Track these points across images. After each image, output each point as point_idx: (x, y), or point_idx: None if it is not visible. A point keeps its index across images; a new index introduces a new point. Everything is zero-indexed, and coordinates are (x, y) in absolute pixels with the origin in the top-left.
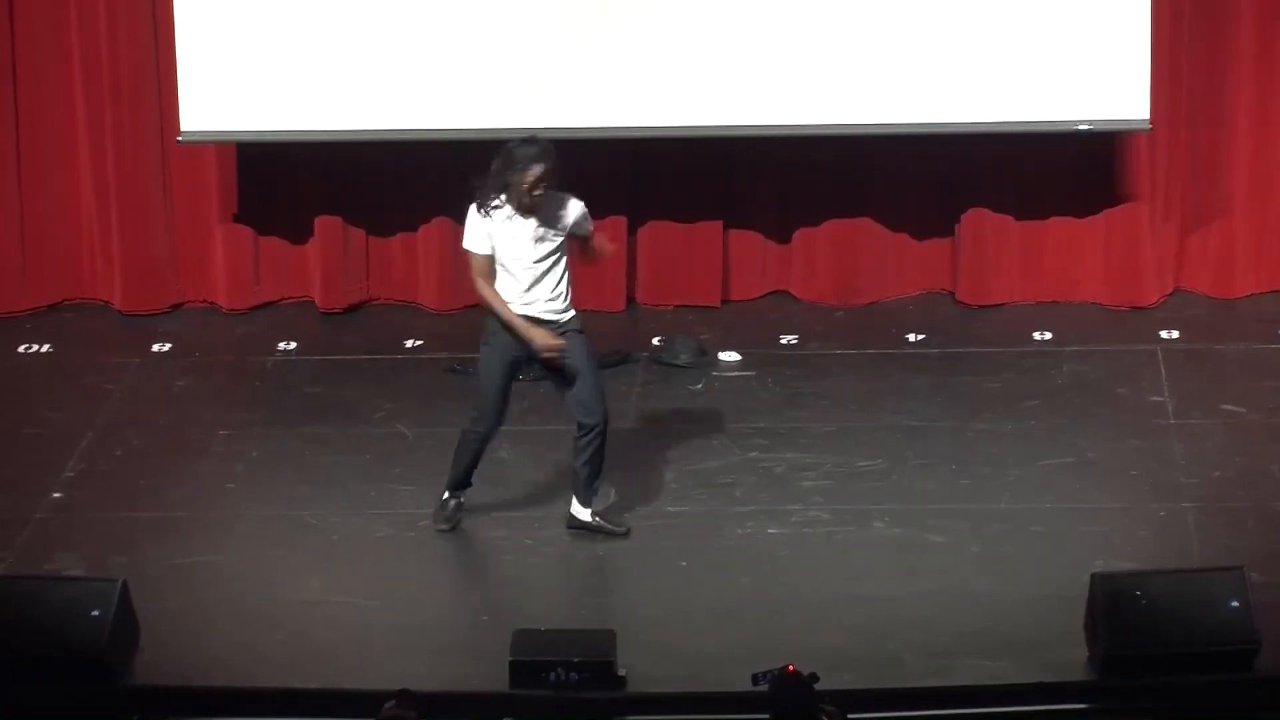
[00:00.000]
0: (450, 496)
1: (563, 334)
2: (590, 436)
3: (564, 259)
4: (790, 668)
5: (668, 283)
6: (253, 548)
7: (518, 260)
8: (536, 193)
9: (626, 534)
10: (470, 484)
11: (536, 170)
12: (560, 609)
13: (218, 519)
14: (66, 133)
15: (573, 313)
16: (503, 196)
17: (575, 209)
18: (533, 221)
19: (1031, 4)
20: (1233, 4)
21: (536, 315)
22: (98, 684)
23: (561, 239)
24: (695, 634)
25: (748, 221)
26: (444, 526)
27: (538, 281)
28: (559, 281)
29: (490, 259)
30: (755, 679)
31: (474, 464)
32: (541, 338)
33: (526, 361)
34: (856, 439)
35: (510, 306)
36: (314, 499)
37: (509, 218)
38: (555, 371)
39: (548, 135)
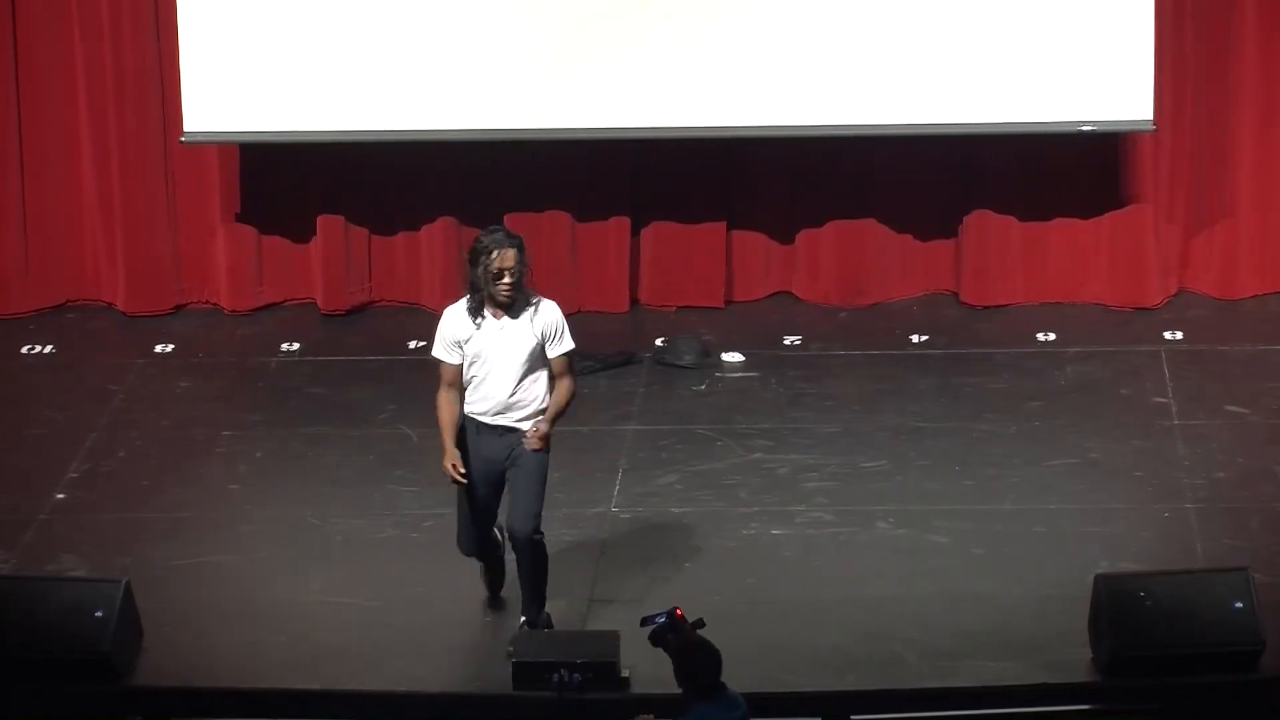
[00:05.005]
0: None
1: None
2: (518, 557)
3: (540, 371)
4: (679, 611)
5: (671, 283)
6: (256, 548)
7: (487, 363)
8: (508, 281)
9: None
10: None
11: (505, 255)
12: (563, 610)
13: (221, 520)
14: (69, 134)
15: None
16: (478, 297)
17: (552, 318)
18: (505, 322)
19: (1035, 5)
20: (1236, 4)
21: (505, 424)
22: (101, 684)
23: (533, 349)
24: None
25: (751, 222)
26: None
27: (507, 387)
28: (531, 388)
29: (458, 369)
30: (643, 621)
31: (492, 574)
32: (448, 459)
33: (499, 476)
34: (860, 440)
35: (473, 411)
36: (317, 500)
37: (482, 319)
38: (508, 473)
39: (552, 136)
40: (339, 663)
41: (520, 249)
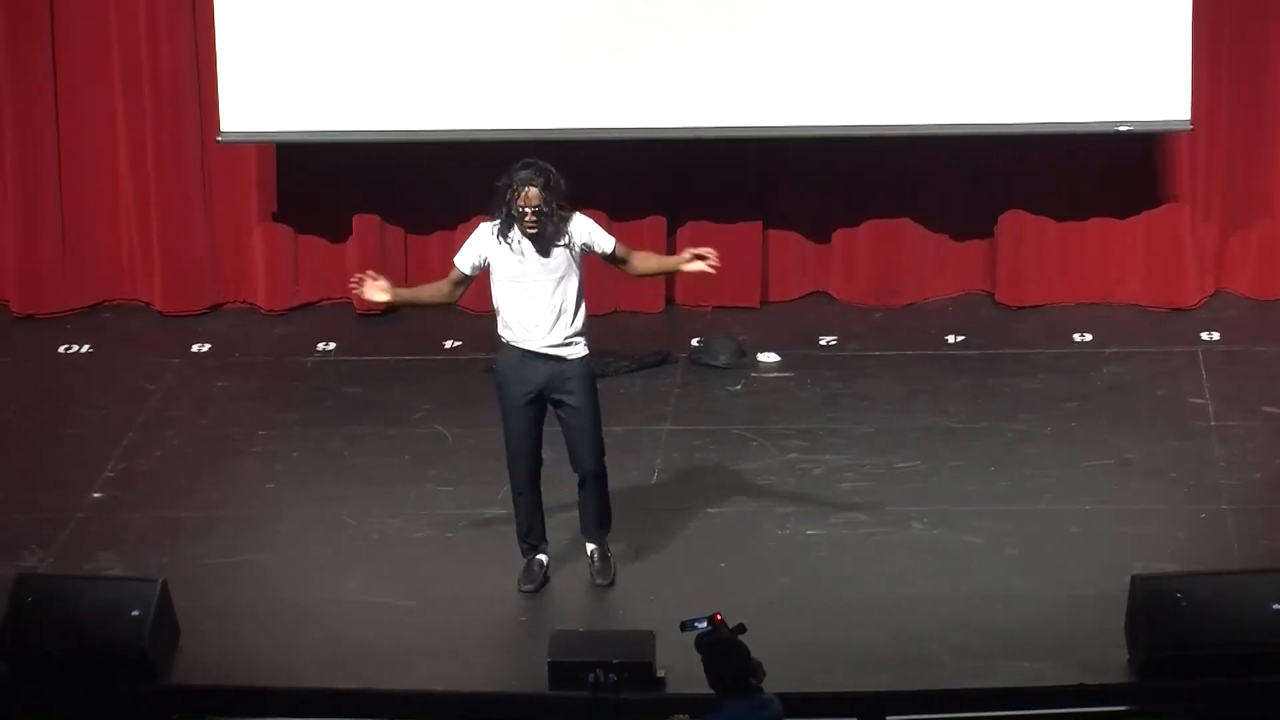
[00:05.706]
0: (526, 556)
1: (566, 377)
2: (584, 487)
3: (573, 289)
4: (719, 616)
5: (706, 283)
6: (292, 547)
7: (523, 282)
8: (532, 217)
9: (610, 585)
10: (544, 540)
11: (528, 193)
12: (599, 610)
13: (257, 519)
14: (106, 133)
15: (581, 350)
16: (505, 220)
17: (582, 227)
18: (533, 247)
19: (1072, 4)
20: (1274, 2)
21: (536, 349)
22: (137, 683)
23: (567, 266)
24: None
25: (787, 222)
26: (527, 587)
27: (539, 311)
28: (563, 313)
29: (466, 279)
30: (683, 626)
31: (530, 518)
32: (369, 289)
33: (541, 402)
34: (895, 440)
35: (515, 340)
36: (353, 499)
37: (513, 242)
38: (560, 413)
39: (587, 136)
40: (374, 662)
41: (542, 186)
